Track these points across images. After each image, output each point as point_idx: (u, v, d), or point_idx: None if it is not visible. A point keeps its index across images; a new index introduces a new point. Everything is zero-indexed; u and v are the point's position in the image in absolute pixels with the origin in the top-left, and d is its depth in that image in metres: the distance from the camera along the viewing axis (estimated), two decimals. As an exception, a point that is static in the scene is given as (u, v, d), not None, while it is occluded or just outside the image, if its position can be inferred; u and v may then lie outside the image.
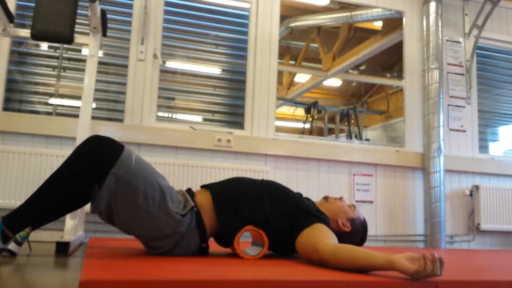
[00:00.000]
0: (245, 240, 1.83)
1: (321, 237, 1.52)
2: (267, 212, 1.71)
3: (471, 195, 3.77)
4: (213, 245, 2.06)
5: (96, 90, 2.94)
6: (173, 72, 3.38)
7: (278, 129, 3.48)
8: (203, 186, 1.84)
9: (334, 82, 4.15)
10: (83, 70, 3.10)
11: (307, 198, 1.91)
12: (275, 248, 1.81)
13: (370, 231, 3.55)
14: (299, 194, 1.89)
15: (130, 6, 3.29)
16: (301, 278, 1.15)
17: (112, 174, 1.48)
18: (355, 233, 1.89)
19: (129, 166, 1.51)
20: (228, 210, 1.70)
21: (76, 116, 2.76)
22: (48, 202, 1.52)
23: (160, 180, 1.60)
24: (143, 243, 1.68)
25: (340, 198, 1.95)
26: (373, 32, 4.06)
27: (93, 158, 1.49)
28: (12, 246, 1.63)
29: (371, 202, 3.59)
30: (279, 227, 1.71)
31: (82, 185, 1.51)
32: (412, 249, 3.18)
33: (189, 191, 1.77)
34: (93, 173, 1.49)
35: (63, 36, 2.28)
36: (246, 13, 3.58)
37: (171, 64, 3.39)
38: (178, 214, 1.57)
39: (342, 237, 1.81)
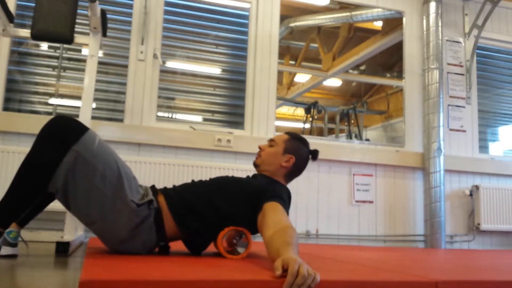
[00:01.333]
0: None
1: (264, 224, 1.47)
2: (229, 208, 1.66)
3: (471, 195, 3.77)
4: (212, 245, 2.05)
5: (96, 90, 2.94)
6: (173, 72, 3.38)
7: (278, 129, 3.48)
8: (160, 189, 1.77)
9: (334, 82, 4.15)
10: (83, 70, 3.10)
11: (255, 176, 1.85)
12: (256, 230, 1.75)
13: (370, 231, 3.55)
14: (248, 177, 1.83)
15: (130, 6, 3.29)
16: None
17: (72, 151, 1.47)
18: (300, 154, 1.86)
19: (91, 146, 1.51)
20: (186, 213, 1.65)
21: (76, 116, 2.75)
22: (24, 188, 1.49)
23: (121, 167, 1.57)
24: (97, 234, 1.63)
25: (260, 149, 1.91)
26: (373, 32, 4.06)
27: (57, 136, 1.48)
28: (7, 250, 1.62)
29: (371, 202, 3.59)
30: (246, 216, 1.66)
31: (48, 164, 1.48)
32: (412, 249, 3.18)
33: (152, 187, 1.73)
34: (56, 150, 1.47)
35: (63, 36, 2.28)
36: (246, 13, 3.58)
37: (171, 64, 3.39)
38: (133, 203, 1.54)
39: (299, 167, 1.84)
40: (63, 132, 1.49)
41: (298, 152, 1.86)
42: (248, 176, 1.86)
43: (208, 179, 1.81)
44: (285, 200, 1.64)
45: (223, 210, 1.66)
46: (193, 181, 1.82)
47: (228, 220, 1.66)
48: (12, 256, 1.63)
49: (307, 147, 1.91)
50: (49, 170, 1.47)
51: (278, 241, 1.28)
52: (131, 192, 1.56)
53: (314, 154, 1.92)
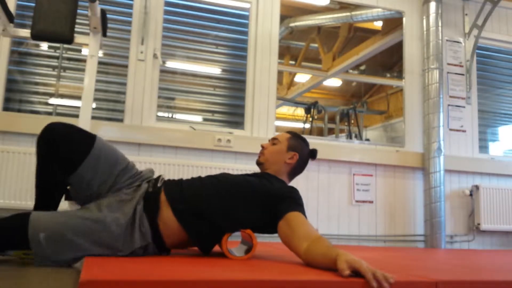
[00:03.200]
0: (234, 240, 1.79)
1: (295, 238, 1.46)
2: (241, 214, 1.63)
3: (471, 195, 3.77)
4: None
5: (96, 90, 2.93)
6: (173, 72, 3.38)
7: (278, 129, 3.48)
8: (164, 187, 1.65)
9: (334, 82, 4.16)
10: (83, 70, 3.10)
11: (261, 176, 1.79)
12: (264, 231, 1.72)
13: (370, 231, 3.55)
14: (257, 177, 1.76)
15: (130, 6, 3.29)
16: (301, 278, 1.15)
17: (96, 149, 1.56)
18: (302, 151, 1.89)
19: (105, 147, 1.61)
20: (195, 221, 1.59)
21: (76, 116, 2.76)
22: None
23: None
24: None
25: (263, 147, 1.91)
26: (373, 32, 4.06)
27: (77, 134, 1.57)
28: None
29: (371, 202, 3.59)
30: (257, 221, 1.65)
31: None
32: (412, 249, 3.18)
33: (154, 184, 1.65)
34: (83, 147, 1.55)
35: (63, 36, 2.28)
36: (246, 13, 3.58)
37: (171, 64, 3.39)
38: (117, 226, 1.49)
39: (302, 165, 1.88)
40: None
41: (300, 150, 1.88)
42: (256, 176, 1.78)
43: (216, 177, 1.72)
44: (302, 205, 1.64)
45: (236, 217, 1.63)
46: (200, 178, 1.73)
47: (239, 225, 1.64)
48: None
49: (307, 146, 1.94)
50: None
51: (320, 248, 1.32)
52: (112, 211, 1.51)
53: (313, 153, 1.94)
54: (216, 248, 1.96)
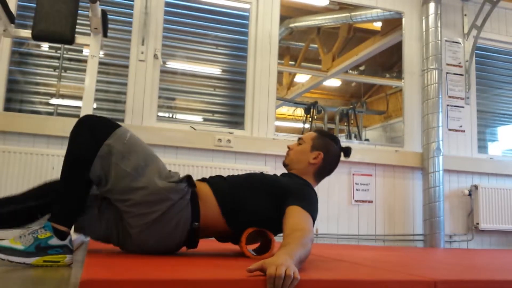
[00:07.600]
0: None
1: (285, 230, 1.47)
2: (268, 210, 1.65)
3: (470, 195, 3.78)
4: (213, 245, 2.06)
5: (96, 90, 2.94)
6: (174, 72, 3.39)
7: (278, 129, 3.49)
8: (199, 179, 1.74)
9: (334, 83, 4.16)
10: (84, 70, 3.11)
11: (285, 175, 1.82)
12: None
13: (370, 231, 3.56)
14: (276, 175, 1.81)
15: (130, 7, 3.30)
16: (302, 278, 1.16)
17: (106, 145, 1.50)
18: (329, 150, 1.84)
19: (123, 140, 1.54)
20: (233, 208, 1.64)
21: (77, 116, 2.77)
22: (75, 185, 1.53)
23: (151, 157, 1.58)
24: (127, 210, 1.55)
25: (289, 148, 1.90)
26: (372, 33, 4.07)
27: (89, 132, 1.53)
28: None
29: (371, 202, 3.60)
30: (270, 216, 1.66)
31: (87, 159, 1.52)
32: (411, 249, 3.19)
33: (189, 177, 1.67)
34: (92, 145, 1.51)
35: (64, 36, 2.29)
36: (246, 13, 3.58)
37: (172, 64, 3.39)
38: (170, 183, 1.53)
39: (329, 164, 1.82)
40: (95, 128, 1.53)
41: (326, 148, 1.84)
42: (276, 175, 1.82)
43: (240, 175, 1.76)
44: (311, 204, 1.61)
45: (266, 214, 1.65)
46: (223, 177, 1.76)
47: (257, 220, 1.66)
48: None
49: (337, 144, 1.89)
50: (87, 164, 1.51)
51: (282, 244, 1.29)
52: (160, 179, 1.54)
53: (346, 151, 1.90)
54: (217, 248, 1.97)
